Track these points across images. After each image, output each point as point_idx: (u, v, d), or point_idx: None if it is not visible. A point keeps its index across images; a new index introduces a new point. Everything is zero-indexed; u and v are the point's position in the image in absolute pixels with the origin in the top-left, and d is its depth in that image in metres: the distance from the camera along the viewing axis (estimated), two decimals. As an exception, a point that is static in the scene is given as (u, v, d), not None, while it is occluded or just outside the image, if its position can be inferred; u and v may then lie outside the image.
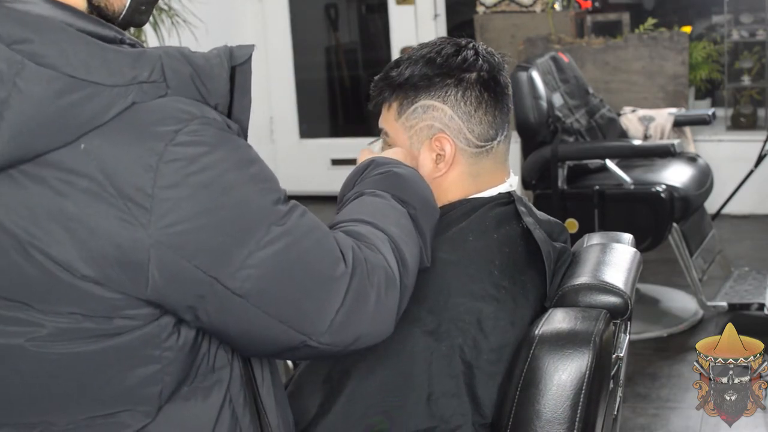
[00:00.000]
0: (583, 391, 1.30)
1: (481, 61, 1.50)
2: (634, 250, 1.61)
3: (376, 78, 1.56)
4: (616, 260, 1.54)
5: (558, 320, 1.37)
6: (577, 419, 1.30)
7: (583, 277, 1.47)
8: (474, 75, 1.49)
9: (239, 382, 1.20)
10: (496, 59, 1.53)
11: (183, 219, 1.05)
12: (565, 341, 1.33)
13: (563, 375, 1.31)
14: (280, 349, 1.18)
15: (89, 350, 1.08)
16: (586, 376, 1.31)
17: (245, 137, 1.17)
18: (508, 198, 1.53)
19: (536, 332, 1.35)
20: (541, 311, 1.46)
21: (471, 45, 1.53)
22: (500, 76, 1.52)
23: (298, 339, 1.15)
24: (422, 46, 1.54)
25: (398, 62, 1.54)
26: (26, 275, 1.05)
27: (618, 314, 1.43)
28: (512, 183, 1.56)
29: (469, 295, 1.40)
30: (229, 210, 1.07)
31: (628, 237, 1.69)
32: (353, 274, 1.17)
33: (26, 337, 1.08)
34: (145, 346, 1.10)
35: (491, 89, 1.50)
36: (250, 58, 1.16)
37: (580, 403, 1.30)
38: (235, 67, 1.14)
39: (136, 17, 1.19)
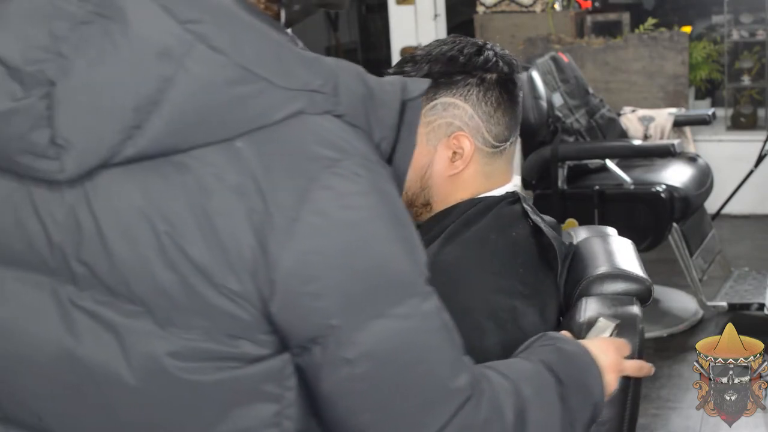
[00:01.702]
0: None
1: (501, 63, 1.52)
2: (629, 240, 1.65)
3: (389, 71, 1.54)
4: (622, 250, 1.58)
5: (595, 309, 1.40)
6: (628, 401, 1.34)
7: (602, 267, 1.49)
8: (495, 76, 1.51)
9: None
10: (514, 61, 1.55)
11: (320, 251, 0.92)
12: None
13: None
14: None
15: (209, 380, 0.94)
16: (635, 359, 1.34)
17: (401, 183, 1.06)
18: (514, 197, 1.54)
19: (582, 320, 1.37)
20: (559, 305, 1.48)
21: (489, 45, 1.54)
22: (517, 79, 1.54)
23: None
24: (440, 42, 1.54)
25: (414, 58, 1.53)
26: (154, 276, 0.92)
27: (643, 300, 1.47)
28: (516, 183, 1.57)
29: (502, 292, 1.40)
30: (370, 260, 0.95)
31: (613, 230, 1.72)
32: (471, 395, 1.01)
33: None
34: (267, 381, 0.96)
35: (509, 91, 1.52)
36: (423, 93, 1.05)
37: (630, 386, 1.34)
38: (407, 102, 1.03)
39: None
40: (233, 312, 0.93)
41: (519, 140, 3.97)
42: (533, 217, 1.50)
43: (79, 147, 0.92)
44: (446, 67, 1.50)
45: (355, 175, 0.94)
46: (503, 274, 1.42)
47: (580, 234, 1.68)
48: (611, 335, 1.33)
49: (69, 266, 0.95)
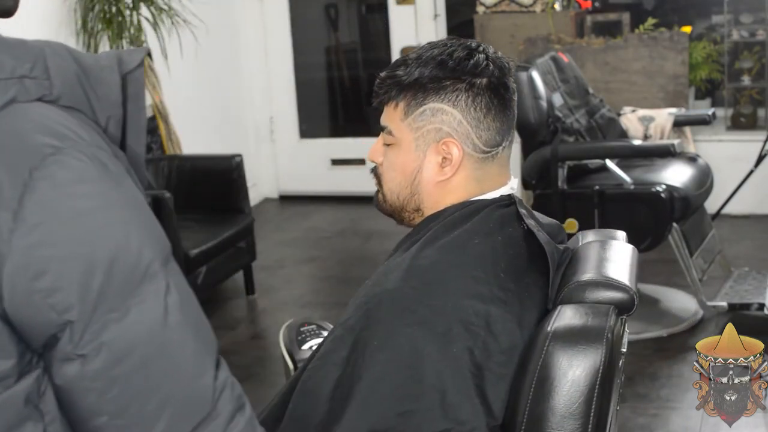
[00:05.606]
0: (597, 386, 1.31)
1: (492, 67, 1.49)
2: (632, 246, 1.61)
3: (381, 75, 1.52)
4: (617, 257, 1.54)
5: (569, 316, 1.37)
6: (592, 413, 1.30)
7: (588, 274, 1.47)
8: (485, 81, 1.48)
9: None
10: (506, 64, 1.51)
11: (46, 244, 0.88)
12: (578, 337, 1.33)
13: (577, 371, 1.31)
14: None
15: None
16: (600, 371, 1.31)
17: (139, 164, 1.01)
18: (509, 200, 1.52)
19: (549, 329, 1.35)
20: (545, 312, 1.45)
21: (481, 48, 1.51)
22: (509, 82, 1.51)
23: None
24: (432, 45, 1.51)
25: (406, 61, 1.51)
26: None
27: (625, 310, 1.43)
28: (513, 186, 1.55)
29: (477, 297, 1.39)
30: (102, 249, 0.90)
31: (622, 234, 1.69)
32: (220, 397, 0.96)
33: None
34: (29, 399, 0.91)
35: (500, 95, 1.49)
36: (141, 64, 1.00)
37: (594, 398, 1.31)
38: (126, 76, 0.99)
39: None
40: None
41: (519, 140, 3.98)
42: (527, 221, 1.48)
43: None
44: (435, 72, 1.47)
45: (79, 162, 0.90)
46: (481, 279, 1.40)
47: (587, 237, 1.65)
48: None
49: None
